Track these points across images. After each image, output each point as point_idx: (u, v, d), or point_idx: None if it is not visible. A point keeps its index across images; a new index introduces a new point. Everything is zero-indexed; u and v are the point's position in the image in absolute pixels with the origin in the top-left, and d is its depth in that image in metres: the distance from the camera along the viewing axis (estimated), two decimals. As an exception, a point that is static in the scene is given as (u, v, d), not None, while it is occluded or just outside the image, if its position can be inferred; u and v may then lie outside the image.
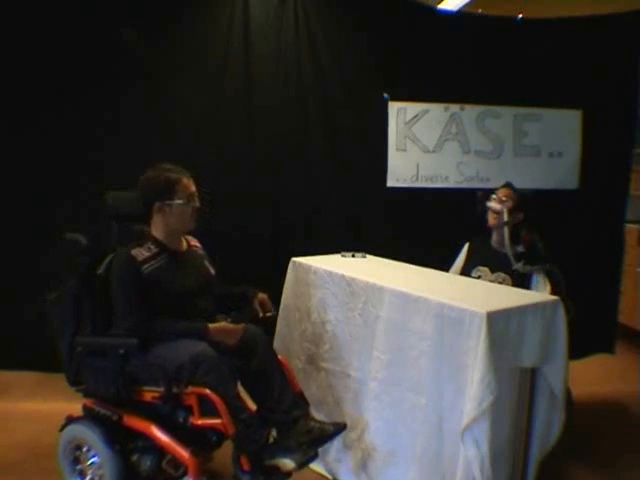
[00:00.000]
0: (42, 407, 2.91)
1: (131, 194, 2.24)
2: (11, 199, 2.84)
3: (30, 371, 3.03)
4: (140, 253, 2.07)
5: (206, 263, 2.28)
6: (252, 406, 2.09)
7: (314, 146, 3.10)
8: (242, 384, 2.10)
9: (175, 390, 1.90)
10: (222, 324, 2.08)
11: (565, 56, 3.20)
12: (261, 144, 3.02)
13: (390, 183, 3.19)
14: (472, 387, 1.74)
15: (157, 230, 2.16)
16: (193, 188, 2.14)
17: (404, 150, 3.20)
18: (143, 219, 2.19)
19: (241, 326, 2.09)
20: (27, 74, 2.77)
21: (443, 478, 1.90)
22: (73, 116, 2.81)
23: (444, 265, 2.67)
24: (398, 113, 3.17)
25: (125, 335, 1.99)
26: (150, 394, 1.98)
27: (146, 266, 2.05)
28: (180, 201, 2.09)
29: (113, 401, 2.08)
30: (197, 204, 2.14)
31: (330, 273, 2.36)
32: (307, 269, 2.49)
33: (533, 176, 3.28)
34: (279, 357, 2.18)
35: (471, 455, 1.75)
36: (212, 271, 2.27)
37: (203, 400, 1.88)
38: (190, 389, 1.90)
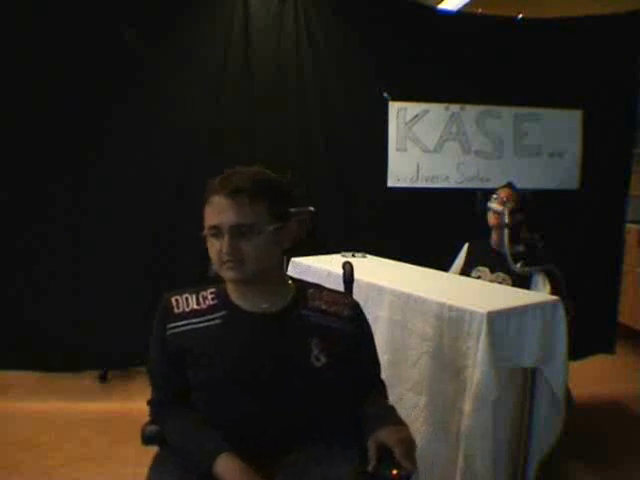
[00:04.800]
0: (42, 407, 2.91)
1: None
2: (11, 200, 2.84)
3: (30, 371, 3.04)
4: (184, 302, 1.36)
5: (313, 344, 1.33)
6: None
7: (314, 146, 3.10)
8: None
9: None
10: (240, 469, 1.21)
11: (565, 56, 3.20)
12: (261, 144, 3.01)
13: (390, 183, 3.20)
14: (472, 387, 1.74)
15: None
16: (222, 217, 1.26)
17: (404, 150, 3.20)
18: None
19: None
20: (26, 74, 2.76)
21: (443, 478, 1.90)
22: (72, 116, 2.81)
23: (443, 265, 2.67)
24: (398, 113, 3.18)
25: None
26: None
27: (178, 324, 1.33)
28: (205, 231, 1.31)
29: None
30: (222, 247, 1.26)
31: (330, 273, 2.36)
32: (307, 269, 2.49)
33: (533, 176, 3.28)
34: None
35: (471, 455, 1.75)
36: (318, 363, 1.32)
37: None
38: None
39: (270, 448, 1.28)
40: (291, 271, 2.58)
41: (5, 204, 2.83)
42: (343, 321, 1.39)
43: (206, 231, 1.29)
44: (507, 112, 3.28)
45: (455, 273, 2.68)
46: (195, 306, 1.36)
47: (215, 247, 1.28)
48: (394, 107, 3.17)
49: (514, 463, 1.97)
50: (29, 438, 2.62)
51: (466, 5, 4.54)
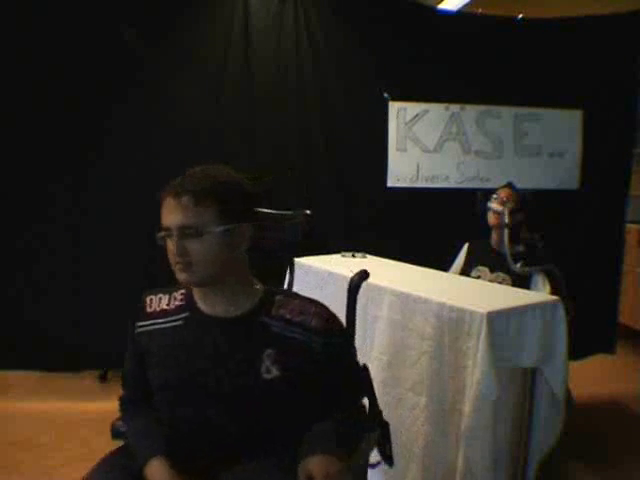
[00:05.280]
0: (42, 407, 2.91)
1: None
2: (10, 200, 2.84)
3: (30, 371, 3.04)
4: (157, 301, 1.38)
5: (265, 355, 1.26)
6: None
7: (314, 146, 3.10)
8: None
9: None
10: (166, 476, 1.21)
11: (565, 56, 3.20)
12: (261, 144, 3.02)
13: (390, 183, 3.20)
14: (472, 387, 1.74)
15: None
16: (171, 218, 1.23)
17: (404, 150, 3.20)
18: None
19: None
20: (26, 74, 2.76)
21: (443, 479, 1.90)
22: (72, 116, 2.81)
23: (443, 265, 2.67)
24: (398, 113, 3.18)
25: None
26: None
27: (146, 323, 1.36)
28: (160, 233, 1.26)
29: None
30: (174, 249, 1.23)
31: (330, 273, 2.36)
32: (307, 269, 2.49)
33: (533, 176, 3.28)
34: None
35: (471, 455, 1.75)
36: (268, 375, 1.25)
37: None
38: None
39: (217, 456, 1.25)
40: (296, 272, 2.58)
41: (5, 204, 2.83)
42: (308, 333, 1.27)
43: (162, 232, 1.26)
44: (507, 112, 3.28)
45: (455, 273, 2.68)
46: (165, 306, 1.36)
47: (169, 248, 1.25)
48: (394, 107, 3.17)
49: (514, 463, 1.97)
50: (29, 438, 2.62)
51: (466, 5, 4.54)
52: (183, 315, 1.33)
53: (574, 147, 3.33)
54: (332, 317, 1.34)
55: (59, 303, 2.90)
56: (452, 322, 1.83)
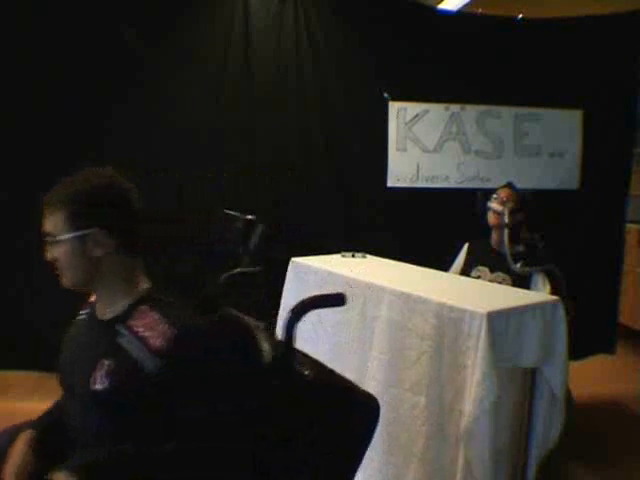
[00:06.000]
0: (42, 407, 2.89)
1: None
2: (11, 200, 2.84)
3: (30, 371, 3.03)
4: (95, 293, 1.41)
5: (100, 364, 1.21)
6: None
7: (314, 146, 3.10)
8: None
9: None
10: (16, 457, 1.29)
11: (565, 56, 3.20)
12: (261, 144, 3.02)
13: (390, 183, 3.20)
14: (472, 387, 1.74)
15: None
16: (44, 225, 1.28)
17: (404, 150, 3.20)
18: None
19: None
20: (26, 74, 2.76)
21: (443, 479, 1.90)
22: (72, 116, 2.80)
23: (443, 265, 2.67)
24: (398, 113, 3.18)
25: None
26: None
27: (79, 313, 1.44)
28: None
29: None
30: (47, 254, 1.29)
31: (330, 273, 2.36)
32: (307, 269, 2.49)
33: (533, 176, 3.28)
34: None
35: (471, 456, 1.75)
36: (97, 385, 1.19)
37: None
38: None
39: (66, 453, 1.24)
40: (291, 270, 2.58)
41: (5, 204, 2.83)
42: (150, 353, 1.16)
43: None
44: (507, 112, 3.28)
45: (455, 273, 2.68)
46: (92, 299, 1.40)
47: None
48: (394, 107, 3.17)
49: (514, 463, 1.97)
50: (29, 438, 2.61)
51: (466, 5, 4.54)
52: (87, 310, 1.40)
53: (574, 147, 3.33)
54: (181, 337, 1.18)
55: (59, 303, 2.89)
56: (452, 322, 1.83)
